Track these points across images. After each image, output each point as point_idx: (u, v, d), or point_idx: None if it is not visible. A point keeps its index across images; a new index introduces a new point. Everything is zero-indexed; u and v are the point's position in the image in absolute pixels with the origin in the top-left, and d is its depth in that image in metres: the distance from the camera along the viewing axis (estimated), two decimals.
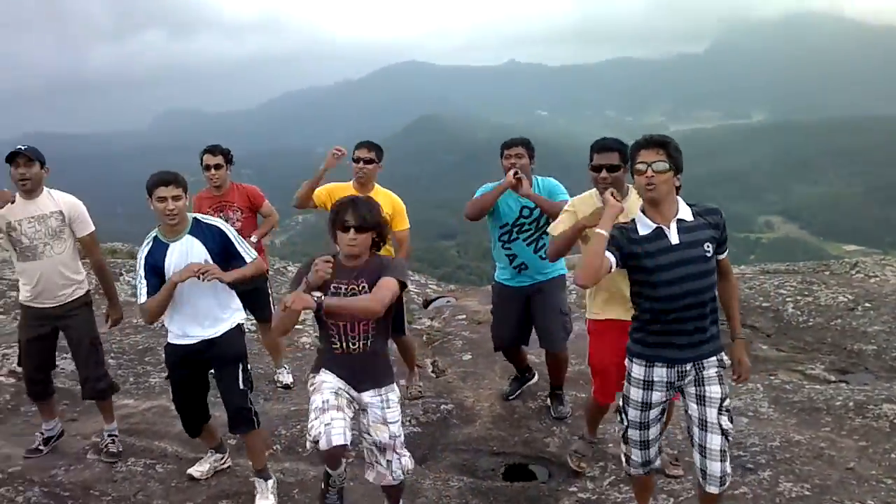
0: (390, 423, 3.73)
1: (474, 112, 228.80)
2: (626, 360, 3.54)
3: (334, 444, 3.45)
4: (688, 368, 3.38)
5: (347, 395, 3.69)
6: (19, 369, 5.56)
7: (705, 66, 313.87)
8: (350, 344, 3.65)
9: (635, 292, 3.45)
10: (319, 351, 3.93)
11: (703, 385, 3.38)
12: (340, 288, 3.59)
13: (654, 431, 3.56)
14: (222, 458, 4.88)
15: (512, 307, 5.48)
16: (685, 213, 3.35)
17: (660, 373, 3.40)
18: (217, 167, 5.97)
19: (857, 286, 8.33)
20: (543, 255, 5.21)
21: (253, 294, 5.76)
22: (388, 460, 3.76)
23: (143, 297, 4.12)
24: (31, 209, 4.73)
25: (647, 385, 3.44)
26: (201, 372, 4.46)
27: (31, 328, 4.90)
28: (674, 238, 3.28)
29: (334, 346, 3.66)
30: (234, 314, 4.44)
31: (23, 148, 4.67)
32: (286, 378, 6.45)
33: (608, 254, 3.26)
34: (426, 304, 9.93)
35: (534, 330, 5.55)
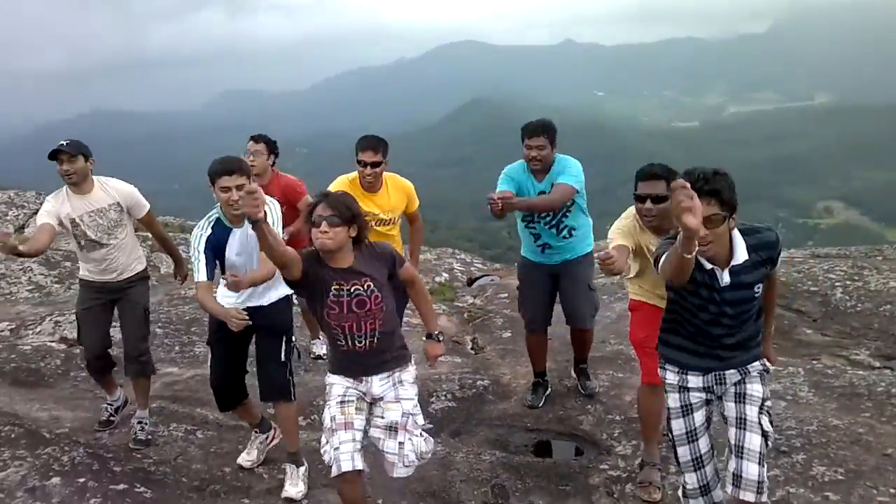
0: (403, 399, 3.53)
1: (530, 93, 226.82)
2: (659, 367, 3.42)
3: (343, 469, 3.32)
4: (726, 374, 3.24)
5: (356, 392, 3.51)
6: (72, 338, 5.70)
7: (766, 46, 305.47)
8: (356, 342, 3.45)
9: (675, 321, 3.28)
10: (328, 345, 3.76)
11: (745, 383, 3.24)
12: (342, 289, 3.38)
13: (703, 444, 3.33)
14: (267, 438, 4.79)
15: (539, 282, 5.38)
16: (740, 254, 3.06)
17: (695, 380, 3.28)
18: (257, 154, 5.85)
19: None
20: (566, 235, 5.16)
21: None
22: (399, 442, 3.49)
23: (201, 275, 4.06)
24: (89, 203, 4.80)
25: (683, 389, 3.31)
26: (244, 341, 4.42)
27: (85, 299, 5.01)
28: (724, 280, 3.07)
29: (339, 344, 3.48)
30: (282, 286, 4.34)
31: (64, 144, 4.72)
32: (320, 349, 6.58)
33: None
34: (470, 282, 10.00)
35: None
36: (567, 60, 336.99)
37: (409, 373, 3.62)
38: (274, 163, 6.02)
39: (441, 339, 3.83)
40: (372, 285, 3.41)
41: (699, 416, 3.31)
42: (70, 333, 6.76)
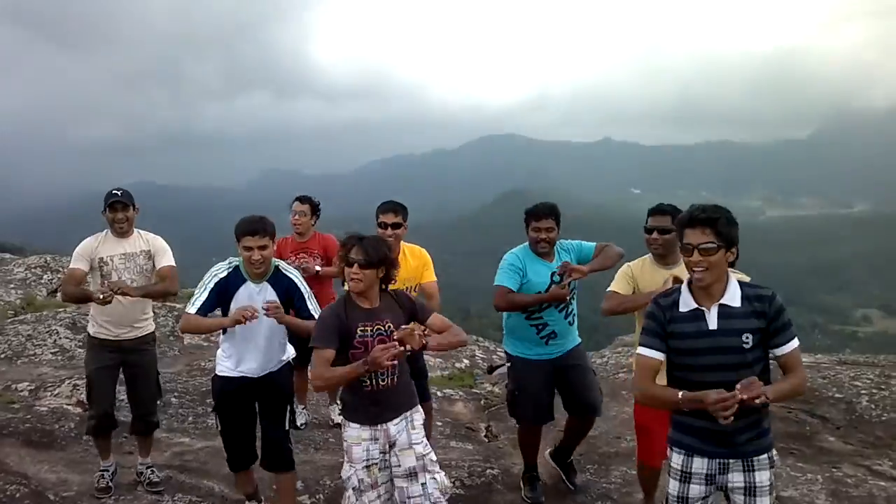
0: (415, 444, 3.76)
1: (567, 187, 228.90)
2: (668, 448, 3.38)
3: None
4: (730, 463, 3.17)
5: (377, 448, 3.73)
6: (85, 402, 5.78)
7: (807, 152, 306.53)
8: (380, 380, 3.70)
9: (670, 370, 3.27)
10: (346, 389, 3.85)
11: (753, 471, 3.16)
12: (367, 330, 3.68)
13: None
14: None
15: (541, 380, 5.14)
16: (733, 296, 3.10)
17: (699, 463, 3.20)
18: (302, 214, 6.42)
19: None
20: (571, 322, 5.11)
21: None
22: (422, 483, 3.69)
23: (194, 308, 4.23)
24: (123, 247, 5.06)
25: (685, 477, 3.23)
26: (250, 405, 4.52)
27: (100, 359, 5.12)
28: (712, 323, 3.09)
29: (364, 383, 3.69)
30: (287, 352, 4.61)
31: (118, 193, 4.99)
32: (301, 418, 6.63)
33: (650, 352, 3.18)
34: (491, 369, 9.90)
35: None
36: (605, 157, 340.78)
37: (420, 413, 3.88)
38: (315, 222, 6.56)
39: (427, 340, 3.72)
40: (392, 326, 3.69)
41: None
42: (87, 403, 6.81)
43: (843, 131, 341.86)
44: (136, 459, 5.59)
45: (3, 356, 8.71)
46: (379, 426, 3.72)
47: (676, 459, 3.27)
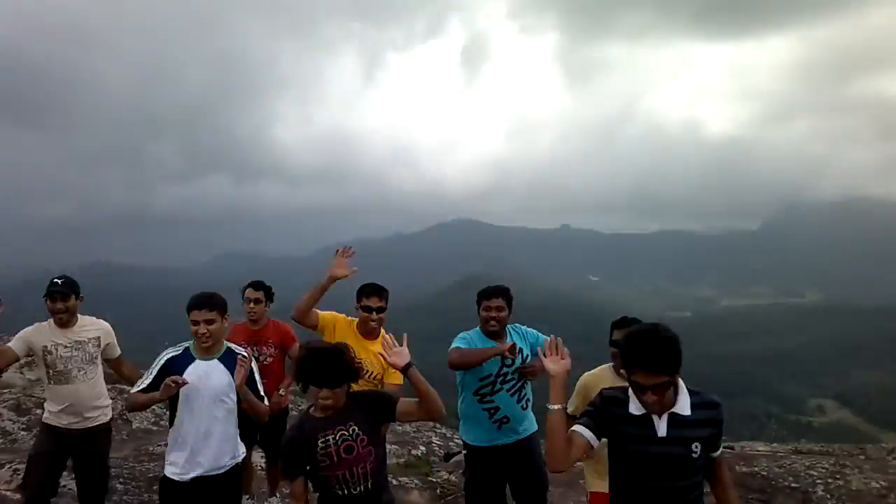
0: None
1: (526, 273, 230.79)
2: None
3: None
4: None
5: None
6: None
7: (758, 242, 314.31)
8: (352, 489, 3.47)
9: (613, 472, 3.18)
10: (318, 489, 3.61)
11: None
12: (329, 438, 3.45)
13: None
14: None
15: (494, 473, 5.06)
16: (683, 405, 3.03)
17: None
18: (257, 302, 6.09)
19: (893, 473, 7.98)
20: (524, 406, 5.02)
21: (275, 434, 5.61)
22: None
23: (138, 388, 4.15)
24: (67, 335, 4.91)
25: None
26: None
27: (47, 444, 4.93)
28: (661, 430, 3.00)
29: (337, 494, 3.48)
30: (239, 450, 4.42)
31: (59, 282, 4.87)
32: None
33: (583, 430, 3.04)
34: (447, 457, 9.75)
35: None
36: (563, 244, 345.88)
37: None
38: (269, 308, 6.25)
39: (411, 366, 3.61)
40: (357, 429, 3.48)
41: None
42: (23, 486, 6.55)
43: (792, 222, 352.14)
44: None
45: None
46: None
47: None
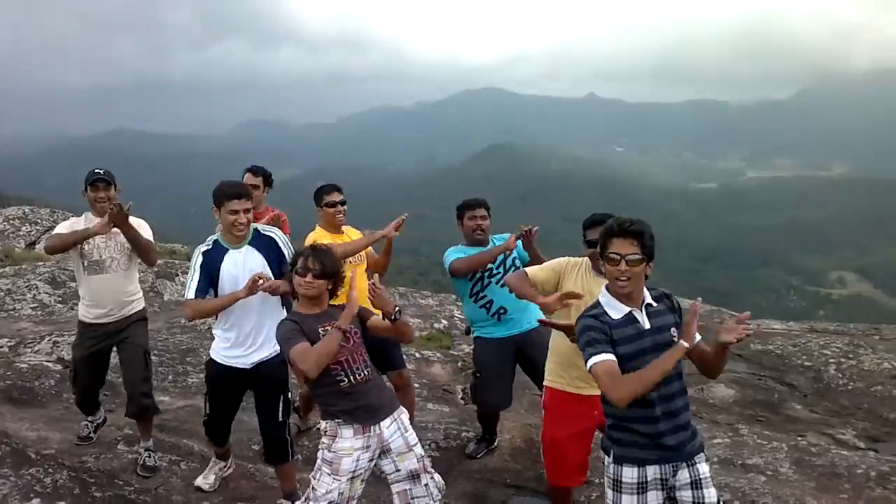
0: (413, 446, 3.69)
1: (550, 143, 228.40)
2: (613, 465, 3.31)
3: None
4: (680, 464, 3.23)
5: (367, 457, 3.62)
6: (68, 359, 5.75)
7: (788, 113, 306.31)
8: (357, 375, 3.60)
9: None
10: (321, 396, 3.75)
11: (701, 489, 3.23)
12: (328, 328, 3.56)
13: None
14: (226, 466, 4.95)
15: (503, 362, 5.31)
16: (650, 298, 3.26)
17: (653, 470, 3.23)
18: (254, 187, 5.96)
19: None
20: None
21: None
22: (425, 484, 3.68)
23: (190, 293, 4.19)
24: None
25: (641, 488, 3.24)
26: (241, 393, 4.55)
27: (87, 346, 5.06)
28: (645, 323, 3.20)
29: (342, 382, 3.59)
30: None
31: (101, 172, 4.93)
32: None
33: (609, 356, 3.11)
34: (468, 330, 9.99)
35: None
36: (589, 113, 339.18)
37: (405, 414, 3.80)
38: (267, 194, 6.23)
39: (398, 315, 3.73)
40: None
41: None
42: (67, 354, 6.84)
43: (825, 94, 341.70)
44: (115, 418, 5.63)
45: None
46: (372, 431, 3.61)
47: (629, 473, 3.26)
